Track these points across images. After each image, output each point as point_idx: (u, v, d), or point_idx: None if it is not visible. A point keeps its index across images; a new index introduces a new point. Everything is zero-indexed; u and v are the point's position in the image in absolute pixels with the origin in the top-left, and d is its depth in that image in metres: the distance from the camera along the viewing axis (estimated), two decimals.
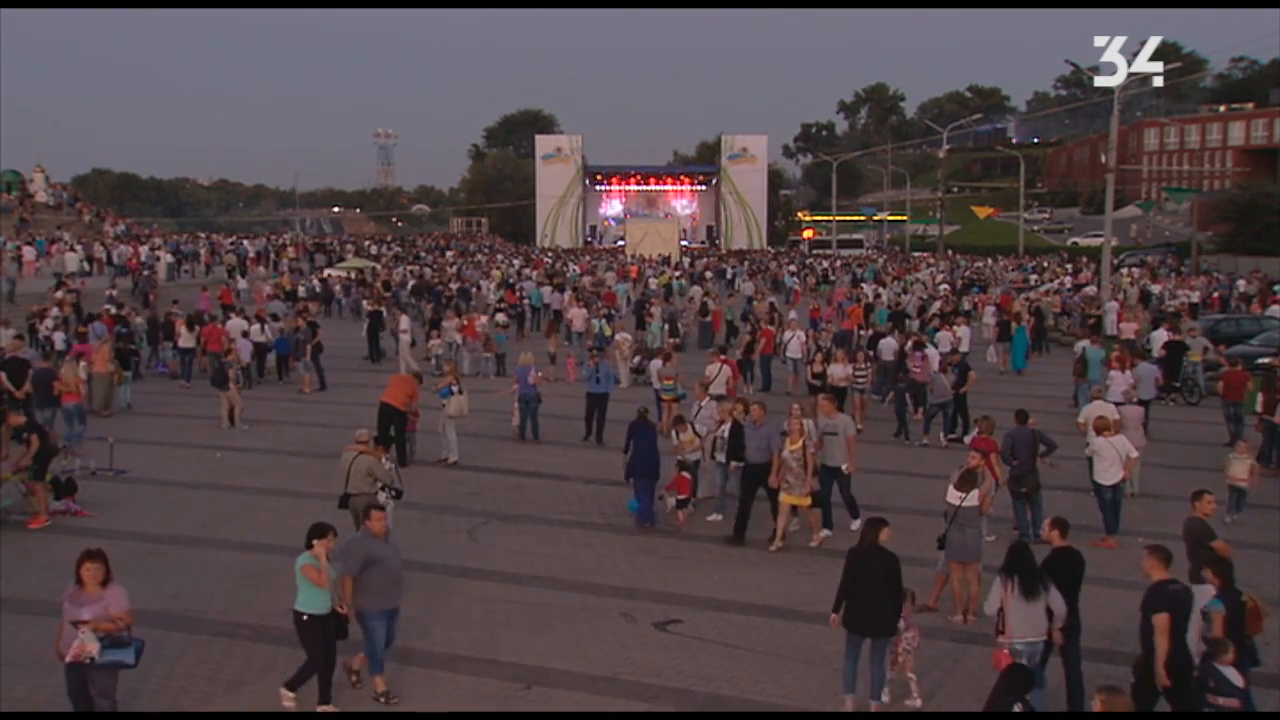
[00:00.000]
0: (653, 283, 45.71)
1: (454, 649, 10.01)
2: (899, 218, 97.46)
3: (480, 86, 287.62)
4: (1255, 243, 61.81)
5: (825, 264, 66.29)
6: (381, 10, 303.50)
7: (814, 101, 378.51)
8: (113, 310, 27.44)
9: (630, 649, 10.13)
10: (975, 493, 10.93)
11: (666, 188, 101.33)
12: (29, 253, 41.26)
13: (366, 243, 74.10)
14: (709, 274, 49.70)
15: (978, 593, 10.69)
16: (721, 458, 14.33)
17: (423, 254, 65.16)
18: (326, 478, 14.35)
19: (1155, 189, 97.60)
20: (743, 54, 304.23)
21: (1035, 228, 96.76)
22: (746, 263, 61.66)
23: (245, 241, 60.45)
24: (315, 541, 8.68)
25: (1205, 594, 8.27)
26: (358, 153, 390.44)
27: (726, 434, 14.11)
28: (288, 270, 49.26)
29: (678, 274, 51.30)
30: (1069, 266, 58.99)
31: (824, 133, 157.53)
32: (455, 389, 17.42)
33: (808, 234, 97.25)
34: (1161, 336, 25.13)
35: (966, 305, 37.80)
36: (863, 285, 43.97)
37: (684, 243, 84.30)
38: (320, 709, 8.69)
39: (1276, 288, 39.87)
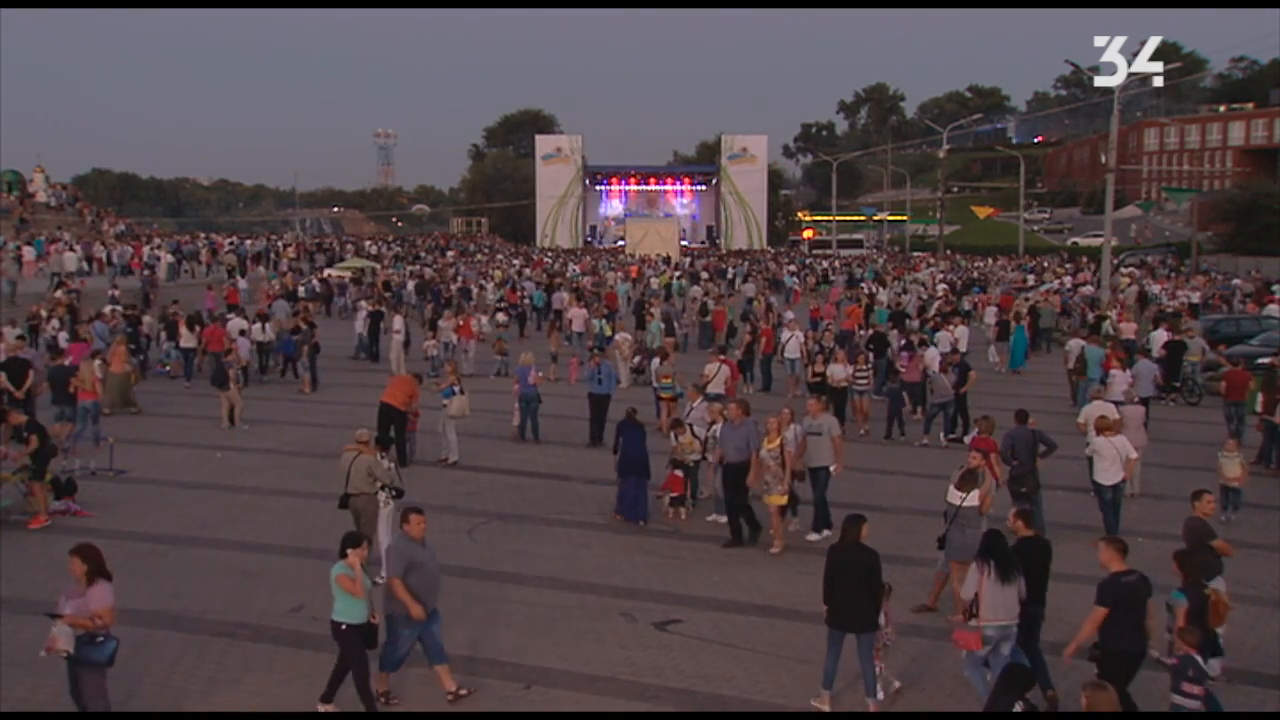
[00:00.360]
0: (653, 283, 45.74)
1: (454, 649, 9.98)
2: (899, 218, 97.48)
3: (480, 86, 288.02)
4: (1255, 243, 61.88)
5: (825, 264, 66.32)
6: (382, 10, 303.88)
7: (814, 101, 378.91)
8: (121, 309, 27.56)
9: (630, 649, 10.13)
10: (976, 493, 10.93)
11: (666, 188, 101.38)
12: (29, 253, 41.26)
13: (366, 243, 74.07)
14: (704, 274, 49.59)
15: None
16: (712, 457, 14.36)
17: (423, 254, 65.17)
18: (326, 478, 14.36)
19: (1155, 189, 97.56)
20: (743, 54, 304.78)
21: (1035, 228, 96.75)
22: (746, 263, 61.67)
23: (246, 241, 60.43)
24: (349, 551, 8.59)
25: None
26: (358, 153, 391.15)
27: (718, 434, 14.12)
28: (288, 270, 49.25)
29: (678, 274, 51.32)
30: (1069, 267, 59.00)
31: (824, 133, 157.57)
32: (457, 389, 17.45)
33: (808, 234, 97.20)
34: (1161, 336, 25.14)
35: (966, 305, 37.84)
36: (863, 285, 43.99)
37: (684, 243, 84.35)
38: (321, 708, 8.69)
39: (1275, 288, 39.85)
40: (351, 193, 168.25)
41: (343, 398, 23.23)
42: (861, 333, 27.74)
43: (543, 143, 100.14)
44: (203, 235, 70.72)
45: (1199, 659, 7.89)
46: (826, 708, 8.89)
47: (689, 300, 37.23)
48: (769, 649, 10.17)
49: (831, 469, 13.57)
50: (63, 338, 24.80)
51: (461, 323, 28.34)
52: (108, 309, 27.96)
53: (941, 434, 19.31)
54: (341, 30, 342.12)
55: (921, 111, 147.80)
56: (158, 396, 23.18)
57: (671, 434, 15.23)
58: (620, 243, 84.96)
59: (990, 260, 71.41)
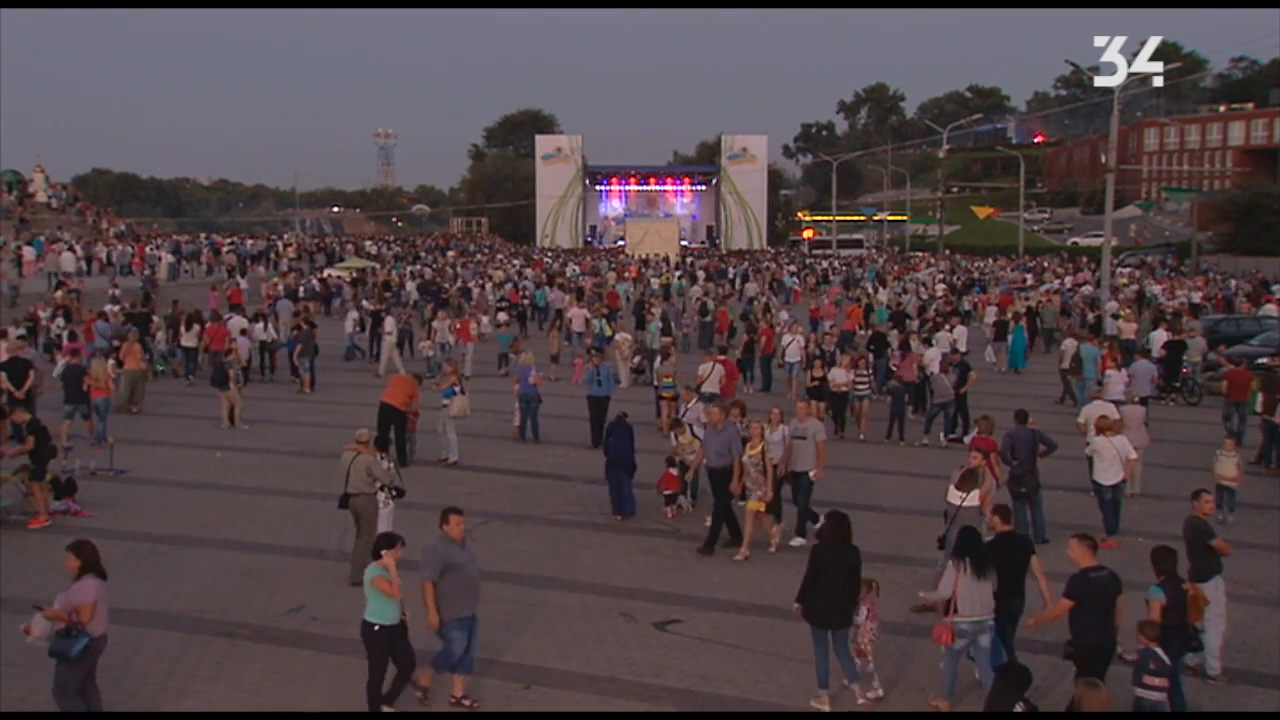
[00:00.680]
0: (654, 283, 45.72)
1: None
2: (899, 218, 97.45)
3: (480, 86, 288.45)
4: (1255, 243, 61.89)
5: (825, 264, 66.29)
6: (382, 10, 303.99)
7: (814, 101, 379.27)
8: (127, 308, 27.59)
9: (630, 649, 10.14)
10: (976, 493, 10.94)
11: (666, 187, 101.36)
12: (28, 253, 41.23)
13: (366, 243, 74.06)
14: (701, 274, 49.52)
15: None
16: (693, 460, 14.29)
17: (423, 254, 65.14)
18: (326, 478, 14.35)
19: (1155, 189, 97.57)
20: (743, 54, 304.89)
21: (1035, 228, 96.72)
22: (747, 263, 61.62)
23: (246, 242, 60.42)
24: (384, 552, 8.56)
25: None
26: (358, 153, 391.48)
27: (703, 437, 14.07)
28: (289, 270, 49.24)
29: (678, 274, 51.31)
30: (1069, 266, 58.99)
31: (824, 133, 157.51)
32: (458, 389, 17.46)
33: (808, 234, 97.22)
34: (1161, 336, 25.14)
35: (966, 305, 37.83)
36: (862, 285, 43.96)
37: (684, 243, 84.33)
38: (384, 709, 8.64)
39: (1274, 288, 39.85)
40: (351, 193, 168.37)
41: (342, 398, 23.24)
42: (861, 333, 27.72)
43: (543, 143, 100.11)
44: (203, 235, 70.74)
45: (1159, 651, 8.01)
46: (826, 708, 8.90)
47: (689, 300, 37.22)
48: (769, 649, 10.18)
49: (811, 474, 13.34)
50: (67, 337, 24.87)
51: (459, 325, 28.28)
52: (109, 308, 27.96)
53: (941, 434, 19.30)
54: (341, 30, 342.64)
55: (921, 111, 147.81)
56: (158, 396, 23.18)
57: (671, 434, 15.22)
58: (620, 243, 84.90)
59: (990, 260, 71.37)
